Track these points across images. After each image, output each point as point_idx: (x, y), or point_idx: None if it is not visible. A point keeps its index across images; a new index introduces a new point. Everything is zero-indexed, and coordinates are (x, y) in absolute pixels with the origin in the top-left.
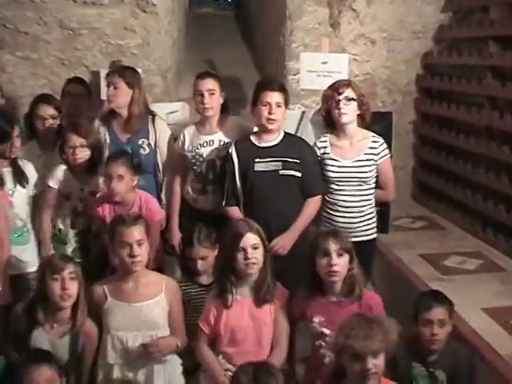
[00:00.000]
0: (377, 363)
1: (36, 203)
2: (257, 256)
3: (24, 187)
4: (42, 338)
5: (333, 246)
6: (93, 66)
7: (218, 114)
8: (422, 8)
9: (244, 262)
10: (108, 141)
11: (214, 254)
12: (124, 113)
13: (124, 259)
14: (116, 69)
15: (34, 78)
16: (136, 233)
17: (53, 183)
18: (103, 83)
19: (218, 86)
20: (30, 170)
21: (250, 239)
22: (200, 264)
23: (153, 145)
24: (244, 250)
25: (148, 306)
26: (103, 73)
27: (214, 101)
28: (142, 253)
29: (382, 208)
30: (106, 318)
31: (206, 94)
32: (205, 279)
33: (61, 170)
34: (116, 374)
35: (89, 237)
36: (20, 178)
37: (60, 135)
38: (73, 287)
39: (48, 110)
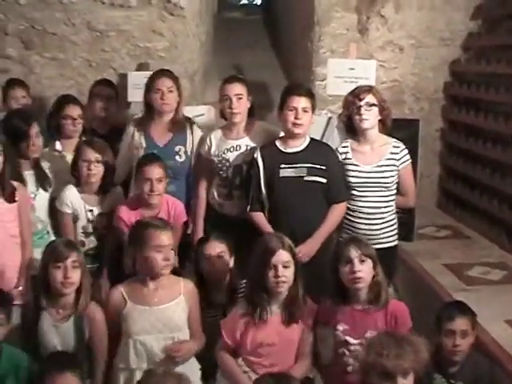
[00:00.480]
0: (406, 383)
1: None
2: (287, 274)
3: (46, 191)
4: (47, 322)
5: (354, 253)
6: (120, 69)
7: (245, 118)
8: (451, 15)
9: (274, 280)
10: (144, 145)
11: (228, 258)
12: (167, 118)
13: (158, 262)
14: (166, 73)
15: (62, 79)
16: (167, 236)
17: (64, 208)
18: (131, 86)
19: (245, 91)
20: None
21: (282, 256)
22: (213, 262)
23: (189, 152)
24: (275, 267)
25: (169, 309)
26: (130, 75)
27: (241, 106)
28: (173, 256)
29: (407, 216)
30: (127, 322)
31: (234, 99)
32: (219, 298)
33: (69, 191)
34: (138, 377)
35: (100, 257)
36: (43, 181)
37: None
38: (75, 275)
39: (76, 110)
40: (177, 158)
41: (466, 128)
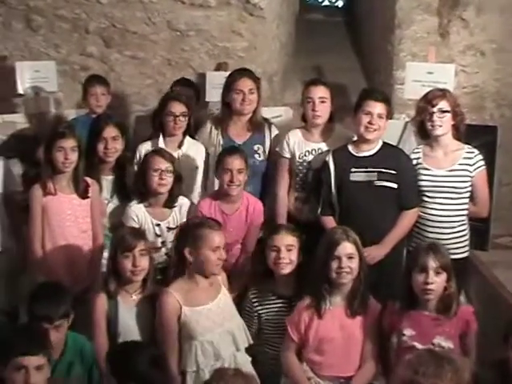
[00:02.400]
0: None
1: None
2: (351, 266)
3: (121, 202)
4: (121, 308)
5: (431, 264)
6: (199, 68)
7: (325, 121)
8: None
9: (337, 271)
10: (222, 142)
11: (296, 251)
12: (245, 117)
13: (212, 262)
14: (247, 73)
15: (141, 78)
16: (221, 237)
17: (131, 223)
18: (209, 85)
19: (328, 95)
20: None
21: (346, 248)
22: (283, 253)
23: (267, 152)
24: (339, 258)
25: (221, 300)
26: (209, 75)
27: (324, 109)
28: (225, 256)
29: (482, 224)
30: (189, 326)
31: (317, 102)
32: (284, 290)
33: (134, 206)
34: (206, 376)
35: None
36: (119, 190)
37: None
38: (143, 263)
39: (179, 108)
40: (256, 156)
41: None
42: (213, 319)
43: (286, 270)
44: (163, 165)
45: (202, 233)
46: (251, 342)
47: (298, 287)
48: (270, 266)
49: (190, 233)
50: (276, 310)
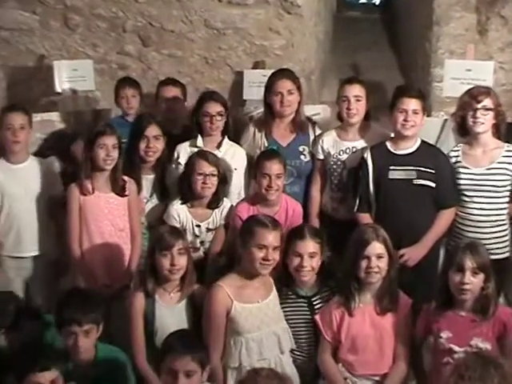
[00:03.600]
0: None
1: None
2: (380, 265)
3: (160, 201)
4: (159, 306)
5: (468, 264)
6: (236, 66)
7: (361, 120)
8: None
9: (366, 271)
10: (266, 145)
11: (320, 258)
12: (288, 118)
13: (256, 260)
14: (286, 73)
15: (179, 76)
16: (273, 237)
17: (172, 222)
18: (246, 83)
19: (364, 93)
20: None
21: (376, 248)
22: (306, 261)
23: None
24: (368, 258)
25: (271, 302)
26: (246, 73)
27: (359, 107)
28: (275, 257)
29: None
30: (236, 322)
31: (352, 100)
32: (305, 290)
33: (177, 205)
34: None
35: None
36: (158, 190)
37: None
38: (182, 262)
39: (215, 107)
40: (301, 157)
41: None
42: (261, 318)
43: (307, 277)
44: (207, 169)
45: (253, 229)
46: (293, 346)
47: (321, 286)
48: (291, 270)
49: (245, 227)
50: (296, 309)
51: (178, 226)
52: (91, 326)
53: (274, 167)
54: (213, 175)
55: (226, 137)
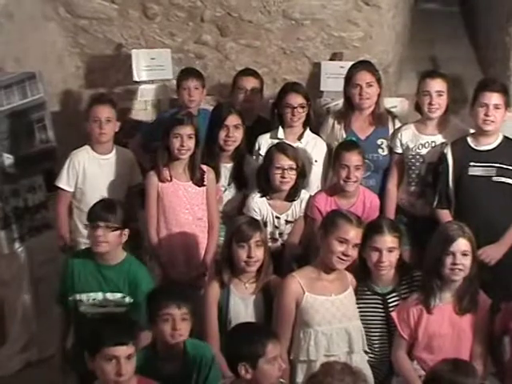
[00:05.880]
0: None
1: None
2: (465, 263)
3: (239, 190)
4: (234, 297)
5: None
6: (314, 57)
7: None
8: None
9: (451, 267)
10: (344, 136)
11: (398, 252)
12: (367, 111)
13: (336, 254)
14: (365, 65)
15: (256, 66)
16: (355, 233)
17: (252, 213)
18: (323, 75)
19: (446, 87)
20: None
21: (462, 245)
22: (385, 257)
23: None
24: (453, 254)
25: (346, 298)
26: (324, 65)
27: (441, 102)
28: (354, 255)
29: None
30: (307, 313)
31: (434, 95)
32: (381, 287)
33: (257, 198)
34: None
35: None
36: (237, 179)
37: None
38: (259, 254)
39: (297, 99)
40: (379, 151)
41: None
42: (333, 313)
43: (385, 271)
44: (285, 162)
45: (337, 221)
46: (366, 348)
47: (397, 282)
48: (370, 266)
49: (328, 219)
50: (371, 306)
51: (258, 218)
52: (188, 311)
53: (354, 158)
54: (291, 169)
55: (307, 128)
